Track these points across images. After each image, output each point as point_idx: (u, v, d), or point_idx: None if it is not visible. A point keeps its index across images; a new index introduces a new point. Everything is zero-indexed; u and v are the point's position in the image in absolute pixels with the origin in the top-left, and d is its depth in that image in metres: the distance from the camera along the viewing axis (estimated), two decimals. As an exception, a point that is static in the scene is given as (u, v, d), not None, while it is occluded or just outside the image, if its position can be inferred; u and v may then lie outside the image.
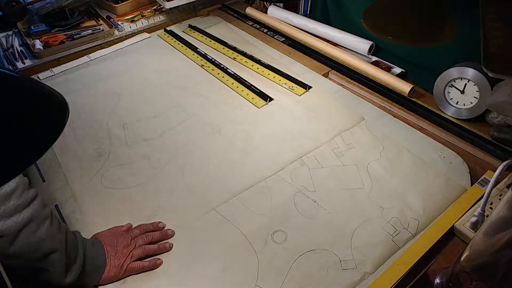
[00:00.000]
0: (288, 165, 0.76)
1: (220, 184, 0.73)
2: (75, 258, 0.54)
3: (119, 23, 1.23)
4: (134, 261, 0.59)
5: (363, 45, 1.04)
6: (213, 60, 1.07)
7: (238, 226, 0.66)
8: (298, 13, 1.25)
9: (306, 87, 0.95)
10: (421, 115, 0.86)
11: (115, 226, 0.64)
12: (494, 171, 0.67)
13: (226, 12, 1.32)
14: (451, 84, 0.83)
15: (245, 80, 0.98)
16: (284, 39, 1.16)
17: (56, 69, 1.06)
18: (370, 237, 0.64)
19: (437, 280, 0.57)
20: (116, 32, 1.19)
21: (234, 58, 1.07)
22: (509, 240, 0.43)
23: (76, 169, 0.77)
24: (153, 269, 0.59)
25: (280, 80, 0.99)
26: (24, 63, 1.07)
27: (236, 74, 1.01)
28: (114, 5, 1.30)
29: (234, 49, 1.11)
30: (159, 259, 0.61)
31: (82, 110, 0.91)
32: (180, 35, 1.19)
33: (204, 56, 1.09)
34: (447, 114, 0.85)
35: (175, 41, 1.16)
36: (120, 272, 0.57)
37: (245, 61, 1.06)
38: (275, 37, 1.17)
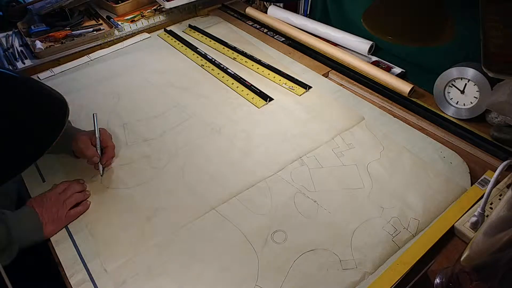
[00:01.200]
0: (288, 165, 0.76)
1: (220, 184, 0.73)
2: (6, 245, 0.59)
3: (119, 23, 1.23)
4: (70, 209, 0.66)
5: (363, 45, 1.04)
6: (213, 60, 1.07)
7: (238, 226, 0.66)
8: (298, 13, 1.25)
9: (306, 87, 0.95)
10: (421, 115, 0.86)
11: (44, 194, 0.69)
12: (494, 171, 0.67)
13: (226, 12, 1.32)
14: (451, 84, 0.83)
15: (245, 80, 0.98)
16: (284, 39, 1.16)
17: (56, 69, 1.06)
18: (370, 237, 0.64)
19: (437, 280, 0.57)
20: (116, 32, 1.19)
21: (234, 58, 1.07)
22: (509, 240, 0.43)
23: (76, 169, 0.77)
24: (86, 210, 0.69)
25: (280, 80, 0.98)
26: (24, 63, 1.07)
27: (236, 74, 1.01)
28: (114, 5, 1.30)
29: (234, 49, 1.11)
30: (88, 201, 0.70)
31: (82, 110, 0.91)
32: (180, 35, 1.19)
33: (204, 56, 1.09)
34: (447, 114, 0.85)
35: (175, 41, 1.16)
36: (61, 223, 0.65)
37: (245, 61, 1.06)
38: (275, 37, 1.17)
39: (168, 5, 1.21)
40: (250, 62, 1.05)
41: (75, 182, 0.72)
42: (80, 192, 0.70)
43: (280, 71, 1.01)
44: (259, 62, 1.05)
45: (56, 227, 0.65)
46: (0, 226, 0.58)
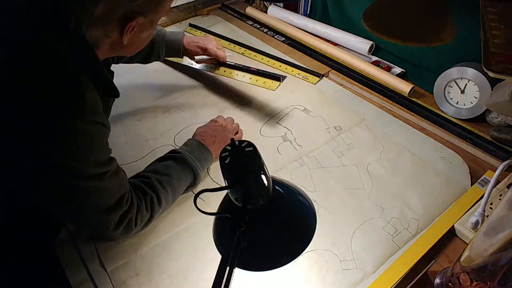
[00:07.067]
0: (288, 165, 0.76)
1: (220, 184, 0.73)
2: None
3: (119, 23, 1.23)
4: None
5: (363, 45, 1.04)
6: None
7: (238, 226, 0.66)
8: (298, 13, 1.25)
9: (320, 75, 0.98)
10: (421, 115, 0.86)
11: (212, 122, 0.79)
12: (494, 171, 0.67)
13: (226, 12, 1.32)
14: (451, 84, 0.83)
15: (251, 68, 0.98)
16: (284, 39, 1.16)
17: (56, 69, 1.05)
18: (370, 237, 0.64)
19: (437, 280, 0.57)
20: (116, 32, 1.19)
21: (242, 53, 1.07)
22: (509, 240, 0.43)
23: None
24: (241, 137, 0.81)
25: (292, 70, 1.00)
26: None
27: (241, 64, 1.00)
28: (114, 5, 1.30)
29: (240, 44, 1.11)
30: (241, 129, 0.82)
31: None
32: (180, 34, 1.19)
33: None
34: (447, 114, 0.86)
35: (175, 41, 1.16)
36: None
37: (254, 55, 1.06)
38: (275, 37, 1.17)
39: (168, 5, 1.21)
40: (259, 56, 1.06)
41: (229, 118, 0.82)
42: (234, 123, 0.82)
43: (292, 63, 1.02)
44: (268, 55, 1.05)
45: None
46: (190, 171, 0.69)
